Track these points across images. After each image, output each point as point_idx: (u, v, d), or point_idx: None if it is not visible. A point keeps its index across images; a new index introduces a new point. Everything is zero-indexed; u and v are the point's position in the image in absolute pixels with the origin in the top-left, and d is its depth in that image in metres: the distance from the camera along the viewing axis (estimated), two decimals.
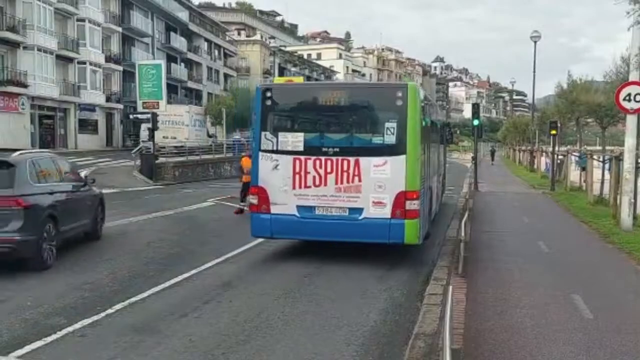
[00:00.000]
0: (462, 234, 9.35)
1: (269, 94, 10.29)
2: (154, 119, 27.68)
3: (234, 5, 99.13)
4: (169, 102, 35.33)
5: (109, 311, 6.79)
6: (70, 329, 6.15)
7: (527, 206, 19.09)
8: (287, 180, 9.84)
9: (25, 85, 34.24)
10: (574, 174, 26.29)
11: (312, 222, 9.76)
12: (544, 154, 37.75)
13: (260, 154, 10.05)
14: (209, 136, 44.86)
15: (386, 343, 5.96)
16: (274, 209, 9.90)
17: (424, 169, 10.67)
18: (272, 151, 9.98)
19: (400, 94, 9.74)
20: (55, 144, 37.11)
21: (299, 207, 9.83)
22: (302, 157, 9.81)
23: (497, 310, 6.90)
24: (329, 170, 9.71)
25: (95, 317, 6.55)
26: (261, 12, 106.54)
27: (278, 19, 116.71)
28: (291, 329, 6.31)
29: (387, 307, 7.25)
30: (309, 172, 9.78)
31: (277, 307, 7.14)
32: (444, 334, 4.22)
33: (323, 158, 9.75)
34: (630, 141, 13.20)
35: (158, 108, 28.50)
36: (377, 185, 9.55)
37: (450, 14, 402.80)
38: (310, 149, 9.84)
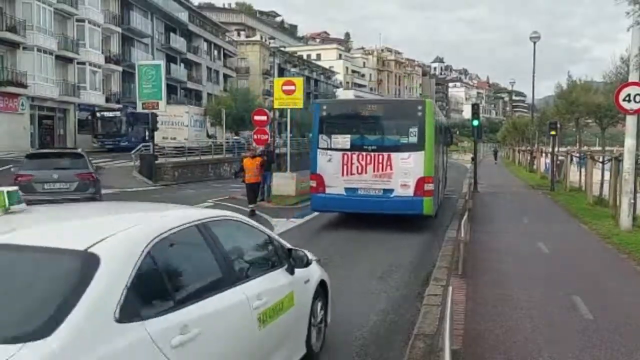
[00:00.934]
0: (462, 234, 9.36)
1: (324, 107, 14.32)
2: (154, 119, 27.67)
3: (233, 5, 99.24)
4: (168, 103, 35.28)
5: None
6: None
7: (526, 207, 19.08)
8: (338, 169, 13.46)
9: (24, 86, 34.26)
10: (573, 175, 26.31)
11: (356, 199, 13.25)
12: (543, 154, 37.75)
13: (319, 150, 13.68)
14: (209, 136, 44.81)
15: (386, 343, 5.95)
16: (328, 190, 13.45)
17: (435, 161, 14.18)
18: (327, 148, 13.62)
19: (420, 107, 13.50)
20: (54, 145, 37.10)
21: (346, 189, 13.36)
22: (349, 153, 13.43)
23: (497, 311, 6.90)
24: (368, 162, 13.33)
25: None
26: (261, 12, 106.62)
27: (278, 19, 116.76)
28: None
29: (386, 307, 7.24)
30: (354, 164, 13.39)
31: None
32: (443, 335, 4.22)
33: (364, 153, 13.37)
34: (629, 142, 13.19)
35: (158, 108, 28.45)
36: (403, 173, 13.14)
37: (450, 14, 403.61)
38: (354, 147, 13.46)
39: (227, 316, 3.64)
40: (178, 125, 40.98)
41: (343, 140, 13.61)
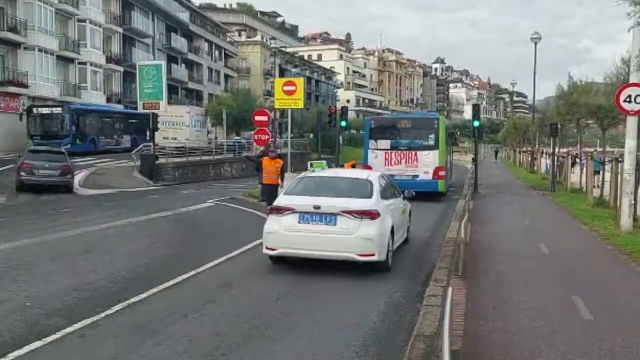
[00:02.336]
0: (462, 235, 9.36)
1: (373, 122, 22.03)
2: (154, 119, 27.69)
3: (234, 6, 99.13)
4: (169, 103, 35.27)
5: (109, 312, 6.78)
6: (69, 329, 6.14)
7: (527, 207, 19.08)
8: (382, 162, 20.23)
9: (25, 86, 34.27)
10: (574, 176, 26.29)
11: (395, 181, 19.02)
12: (544, 155, 37.71)
13: (369, 150, 20.85)
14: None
15: (385, 344, 5.95)
16: None
17: (445, 157, 21.50)
18: (375, 149, 20.77)
19: (436, 121, 21.16)
20: None
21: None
22: (389, 151, 20.53)
23: (497, 311, 6.90)
24: (402, 157, 20.33)
25: (94, 318, 6.54)
26: (262, 13, 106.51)
27: (279, 19, 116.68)
28: (290, 330, 6.31)
29: (386, 308, 7.24)
30: (392, 159, 20.42)
31: (277, 308, 7.13)
32: (443, 336, 4.22)
33: (399, 151, 20.43)
34: (630, 143, 13.18)
35: (158, 109, 28.49)
36: (425, 164, 20.09)
37: (451, 14, 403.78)
38: (392, 148, 20.58)
39: (395, 206, 10.34)
40: (179, 126, 40.91)
41: (385, 143, 20.78)
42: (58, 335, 5.97)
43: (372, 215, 8.84)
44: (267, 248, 9.18)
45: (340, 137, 27.73)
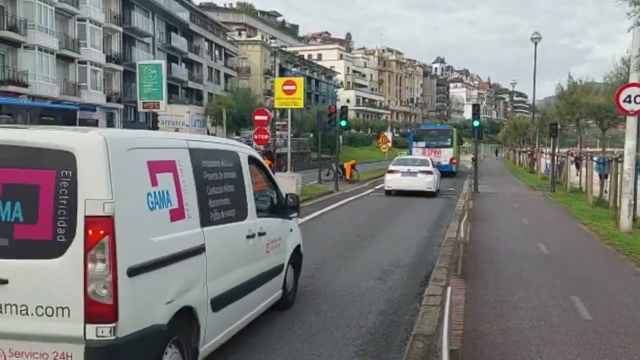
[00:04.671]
0: (462, 235, 9.36)
1: (414, 132, 40.95)
2: (154, 119, 27.67)
3: (234, 5, 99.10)
4: (169, 102, 35.14)
5: None
6: None
7: (527, 207, 19.08)
8: (420, 155, 31.54)
9: (25, 85, 34.23)
10: (573, 176, 26.26)
11: None
12: (544, 155, 37.73)
13: (413, 148, 36.35)
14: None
15: (385, 344, 5.96)
16: None
17: (456, 152, 39.93)
18: (416, 147, 36.23)
19: (451, 131, 39.13)
20: None
21: None
22: (424, 148, 35.80)
23: (496, 311, 6.91)
24: (431, 152, 34.58)
25: None
26: (262, 12, 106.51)
27: (279, 19, 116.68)
28: (290, 330, 6.32)
29: (386, 307, 7.24)
30: (426, 152, 33.74)
31: (276, 307, 7.13)
32: (442, 335, 4.23)
33: (430, 148, 35.80)
34: (630, 143, 13.19)
35: (158, 108, 28.43)
36: (444, 156, 35.74)
37: (451, 14, 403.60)
38: (426, 146, 36.19)
39: (437, 172, 23.94)
40: (179, 125, 40.89)
41: (422, 143, 35.88)
42: None
43: (431, 173, 22.01)
44: (387, 187, 22.19)
45: (340, 137, 27.85)
